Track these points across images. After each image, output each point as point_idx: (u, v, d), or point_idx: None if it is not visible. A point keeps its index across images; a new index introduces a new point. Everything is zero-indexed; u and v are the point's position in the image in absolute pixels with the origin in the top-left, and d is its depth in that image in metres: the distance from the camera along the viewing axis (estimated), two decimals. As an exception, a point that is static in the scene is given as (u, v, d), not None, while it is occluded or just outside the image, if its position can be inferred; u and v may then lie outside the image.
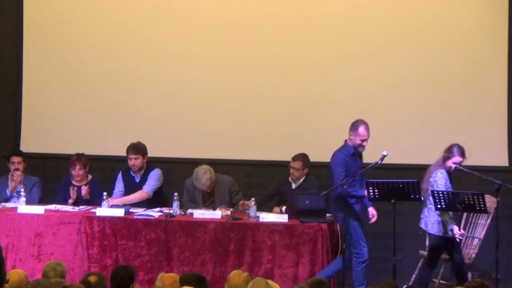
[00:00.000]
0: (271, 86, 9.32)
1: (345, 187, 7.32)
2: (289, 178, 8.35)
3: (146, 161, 8.42)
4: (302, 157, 8.28)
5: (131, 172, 8.43)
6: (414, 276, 8.06)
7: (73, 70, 9.69)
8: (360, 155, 7.76)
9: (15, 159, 8.68)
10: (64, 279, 5.31)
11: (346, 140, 7.72)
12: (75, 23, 9.68)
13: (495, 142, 8.91)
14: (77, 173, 8.42)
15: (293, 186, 8.32)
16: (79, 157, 8.42)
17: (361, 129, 7.61)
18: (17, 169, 8.60)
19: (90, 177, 8.56)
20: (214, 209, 8.15)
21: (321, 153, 9.02)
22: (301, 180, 8.31)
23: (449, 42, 9.02)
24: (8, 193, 8.60)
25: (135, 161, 8.33)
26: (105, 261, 7.67)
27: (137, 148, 8.36)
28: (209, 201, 8.30)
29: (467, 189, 8.54)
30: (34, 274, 7.33)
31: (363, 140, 7.64)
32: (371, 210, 7.76)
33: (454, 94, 9.05)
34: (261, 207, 8.04)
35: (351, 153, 7.65)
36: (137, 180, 8.42)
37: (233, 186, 8.34)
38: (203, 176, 8.15)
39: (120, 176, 8.48)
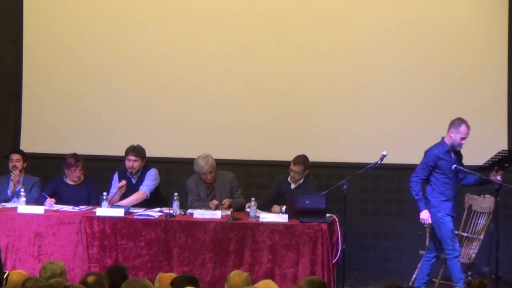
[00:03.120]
0: (271, 86, 9.32)
1: (345, 187, 7.32)
2: (288, 179, 8.35)
3: (143, 164, 8.43)
4: (303, 161, 8.26)
5: (127, 173, 8.43)
6: (414, 276, 8.06)
7: (73, 70, 9.69)
8: (458, 153, 7.71)
9: (14, 156, 8.72)
10: (61, 278, 5.30)
11: (443, 137, 7.70)
12: (75, 23, 9.68)
13: (495, 142, 8.91)
14: (77, 175, 8.41)
15: (292, 186, 8.33)
16: (78, 159, 8.40)
17: (463, 127, 7.59)
18: (14, 166, 8.61)
19: (83, 177, 8.54)
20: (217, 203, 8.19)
21: (321, 153, 9.06)
22: (301, 180, 8.31)
23: (449, 42, 9.02)
24: (9, 194, 8.60)
25: (134, 163, 8.33)
26: (105, 261, 7.66)
27: (137, 150, 8.36)
28: (210, 196, 8.31)
29: (467, 189, 8.58)
30: (34, 274, 7.26)
31: (463, 138, 7.62)
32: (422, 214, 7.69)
33: (454, 94, 9.05)
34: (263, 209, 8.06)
35: (445, 150, 7.64)
36: (134, 182, 8.41)
37: (233, 181, 8.39)
38: (203, 160, 8.21)
39: (116, 176, 8.47)
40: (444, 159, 7.57)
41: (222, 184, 8.34)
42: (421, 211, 7.61)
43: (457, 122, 7.63)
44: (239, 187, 8.43)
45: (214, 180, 8.34)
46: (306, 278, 5.28)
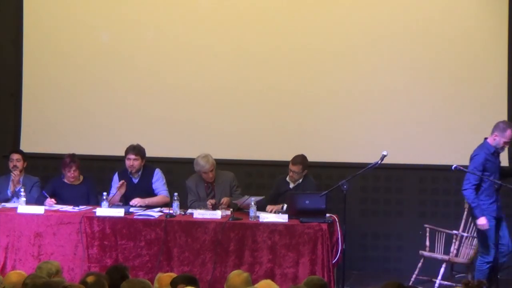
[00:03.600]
0: (271, 86, 9.31)
1: (345, 187, 7.32)
2: (287, 178, 8.36)
3: (143, 164, 8.42)
4: (301, 161, 8.26)
5: (128, 173, 8.42)
6: (414, 276, 8.06)
7: (73, 70, 9.69)
8: (498, 154, 7.77)
9: (14, 156, 8.74)
10: (57, 277, 5.29)
11: (485, 139, 7.72)
12: (75, 23, 9.67)
13: (495, 142, 8.90)
14: (72, 175, 8.38)
15: (291, 186, 8.33)
16: (74, 159, 8.37)
17: (509, 132, 7.61)
18: (15, 166, 8.62)
19: (82, 177, 8.53)
20: (215, 202, 8.19)
21: (321, 153, 9.06)
22: (300, 180, 8.32)
23: (449, 42, 9.01)
24: (10, 194, 8.59)
25: (134, 162, 8.32)
26: (105, 261, 7.66)
27: (137, 149, 8.35)
28: (210, 196, 8.31)
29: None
30: (34, 274, 7.33)
31: (506, 143, 7.66)
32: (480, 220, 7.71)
33: (454, 94, 9.04)
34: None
35: (491, 152, 7.66)
36: (135, 182, 8.41)
37: (233, 181, 8.39)
38: (203, 159, 8.21)
39: (116, 177, 8.45)
40: (491, 160, 7.62)
41: (222, 184, 8.34)
42: (478, 218, 7.57)
43: (503, 125, 7.64)
44: (239, 187, 8.43)
45: (214, 180, 8.34)
46: (308, 278, 5.27)
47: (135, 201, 8.10)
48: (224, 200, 8.17)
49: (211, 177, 8.29)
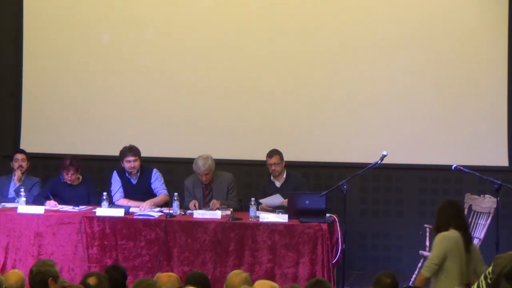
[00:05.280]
0: (272, 86, 9.31)
1: (345, 187, 7.32)
2: (271, 178, 8.37)
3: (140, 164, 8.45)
4: (276, 152, 8.36)
5: (126, 174, 8.42)
6: (414, 276, 8.05)
7: (73, 70, 9.69)
8: None
9: (19, 156, 8.76)
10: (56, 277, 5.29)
11: None
12: (75, 23, 9.67)
13: (495, 142, 8.91)
14: (69, 178, 8.34)
15: (277, 184, 8.34)
16: (73, 162, 8.32)
17: None
18: (21, 166, 8.65)
19: (81, 178, 8.52)
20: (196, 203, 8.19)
21: (321, 153, 9.07)
22: (284, 176, 8.33)
23: (449, 42, 9.02)
24: (13, 192, 8.57)
25: (134, 163, 8.32)
26: (105, 261, 7.66)
27: (135, 150, 8.35)
28: (208, 197, 8.31)
29: (467, 189, 8.59)
30: (34, 274, 7.32)
31: None
32: None
33: (454, 94, 9.04)
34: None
35: None
36: (134, 182, 8.41)
37: (231, 183, 8.39)
38: (202, 160, 8.20)
39: (116, 175, 8.45)
40: None
41: (221, 185, 8.33)
42: None
43: None
44: (235, 190, 8.41)
45: (212, 181, 8.34)
46: (312, 279, 5.22)
47: (143, 207, 8.08)
48: (215, 203, 8.11)
49: (204, 180, 8.29)
